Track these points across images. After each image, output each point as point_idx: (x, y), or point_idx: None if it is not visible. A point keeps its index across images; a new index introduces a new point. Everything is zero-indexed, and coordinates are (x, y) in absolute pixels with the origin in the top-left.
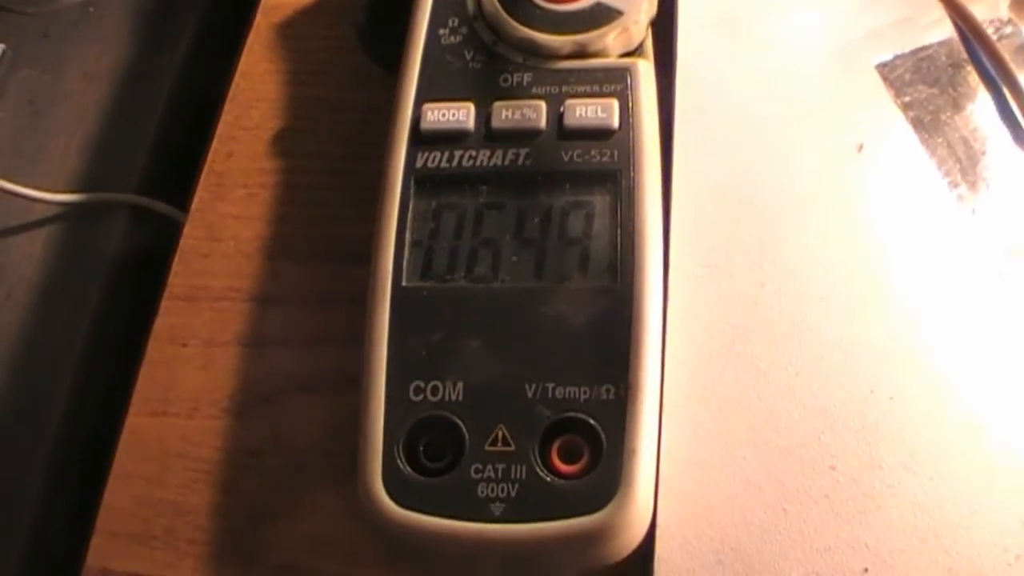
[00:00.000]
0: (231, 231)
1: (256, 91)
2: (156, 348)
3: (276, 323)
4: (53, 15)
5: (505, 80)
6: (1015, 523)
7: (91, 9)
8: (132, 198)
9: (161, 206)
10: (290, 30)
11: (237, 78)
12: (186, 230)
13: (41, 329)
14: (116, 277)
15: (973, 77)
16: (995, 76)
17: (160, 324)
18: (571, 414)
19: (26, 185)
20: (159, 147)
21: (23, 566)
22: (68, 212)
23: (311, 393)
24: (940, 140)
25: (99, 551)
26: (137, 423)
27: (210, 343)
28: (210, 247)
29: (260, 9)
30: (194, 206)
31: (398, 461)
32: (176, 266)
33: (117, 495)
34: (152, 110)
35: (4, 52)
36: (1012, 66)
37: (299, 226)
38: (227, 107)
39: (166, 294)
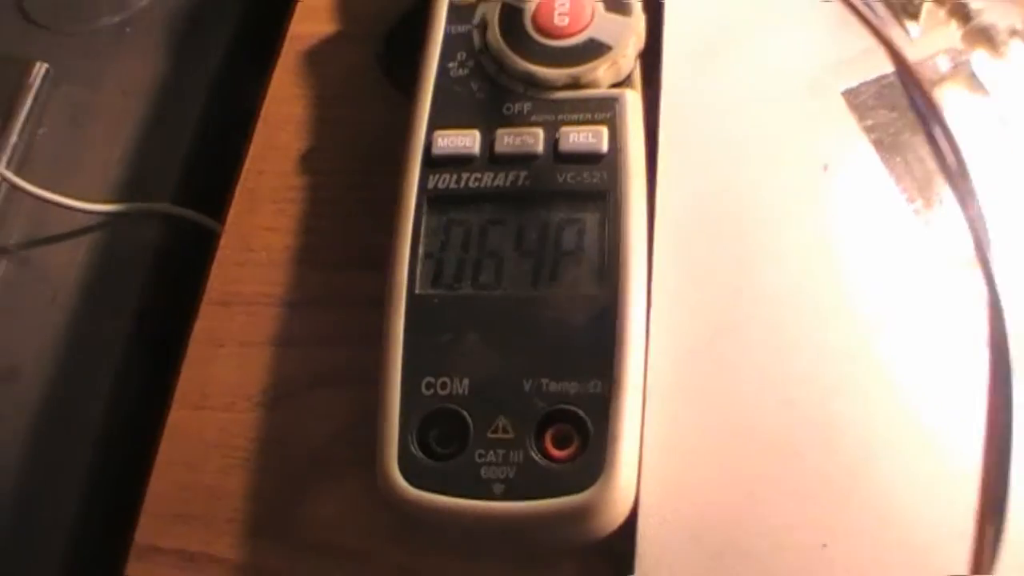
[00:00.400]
0: (262, 242)
1: (284, 114)
2: (196, 349)
3: (303, 325)
4: (92, 35)
5: (507, 109)
6: (962, 505)
7: (128, 30)
8: (166, 207)
9: (193, 215)
10: (315, 57)
11: (267, 102)
12: (222, 241)
13: (84, 328)
14: (152, 280)
15: (928, 102)
16: (924, 111)
17: (199, 327)
18: (563, 406)
19: (68, 195)
20: (192, 159)
21: (72, 545)
22: (107, 220)
23: (333, 388)
24: (899, 160)
25: (146, 530)
26: (179, 416)
27: (244, 344)
28: (244, 257)
29: (287, 38)
30: (229, 220)
31: (412, 447)
32: (213, 273)
33: (161, 481)
34: (185, 124)
35: (47, 70)
36: (938, 101)
37: (323, 237)
38: (258, 128)
39: (204, 299)
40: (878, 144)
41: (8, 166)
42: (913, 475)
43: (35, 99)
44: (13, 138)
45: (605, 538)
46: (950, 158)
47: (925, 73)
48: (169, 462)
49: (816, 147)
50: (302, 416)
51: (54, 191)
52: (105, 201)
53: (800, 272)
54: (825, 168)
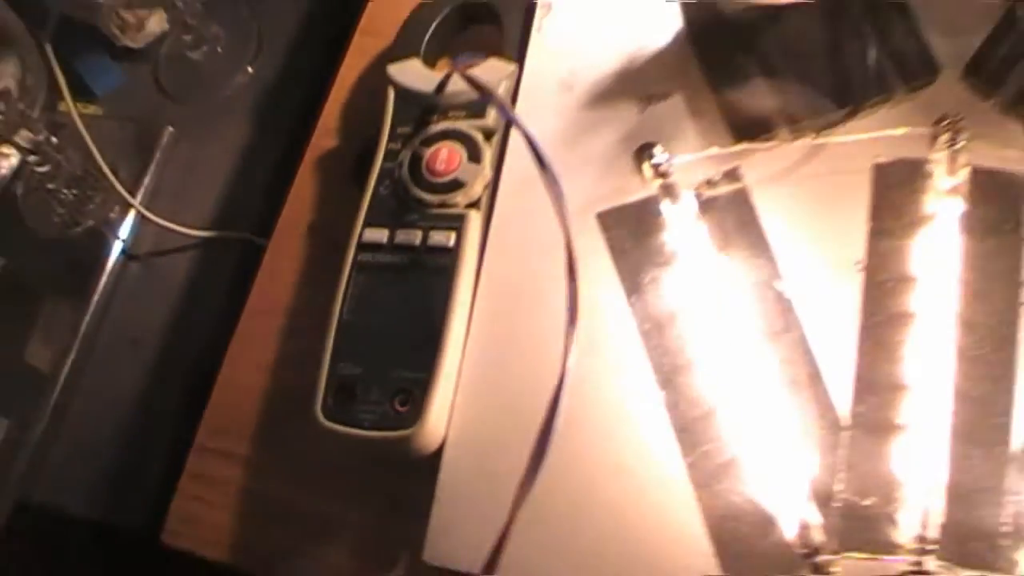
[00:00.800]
0: (286, 274)
1: (304, 198)
2: (240, 335)
3: (308, 322)
4: (205, 105)
5: (405, 217)
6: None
7: (229, 103)
8: (246, 235)
9: (263, 241)
10: (322, 163)
11: (293, 190)
12: (259, 275)
13: (184, 313)
14: (231, 285)
15: (645, 226)
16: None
17: (243, 323)
18: (406, 385)
19: (179, 224)
20: (268, 200)
21: (166, 446)
22: (205, 241)
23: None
24: (624, 259)
25: (202, 436)
26: (226, 373)
27: (272, 332)
28: (275, 279)
29: (310, 147)
30: (265, 260)
31: (329, 400)
32: (254, 290)
33: (214, 407)
34: (264, 173)
35: (172, 132)
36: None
37: (321, 276)
38: (287, 206)
39: (247, 307)
40: (611, 248)
41: (141, 202)
42: (612, 434)
43: (162, 154)
44: (146, 181)
45: (429, 457)
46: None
47: (650, 206)
48: (220, 397)
49: (576, 247)
50: (297, 376)
51: (171, 221)
52: (205, 228)
53: (555, 319)
54: (639, 307)
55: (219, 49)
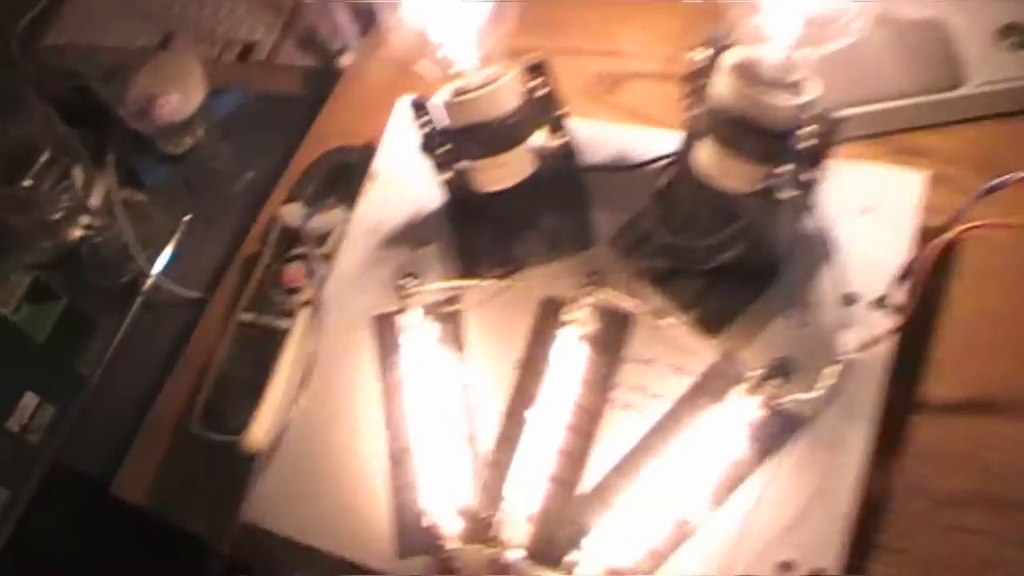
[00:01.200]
0: (210, 333)
1: (233, 281)
2: (180, 365)
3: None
4: (215, 198)
5: (265, 307)
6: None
7: (234, 197)
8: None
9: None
10: (247, 262)
11: (227, 275)
12: (195, 332)
13: (177, 350)
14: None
15: (395, 328)
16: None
17: (188, 357)
18: (247, 411)
19: (183, 286)
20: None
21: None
22: (198, 301)
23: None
24: (382, 347)
25: (144, 427)
26: (166, 394)
27: (193, 370)
28: (204, 337)
29: (240, 250)
30: (201, 321)
31: (204, 416)
32: (192, 341)
33: (152, 416)
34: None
35: (188, 219)
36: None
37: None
38: (220, 287)
39: (184, 354)
40: (376, 340)
41: (161, 270)
42: (353, 449)
43: (180, 235)
44: (168, 250)
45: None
46: (398, 348)
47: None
48: (158, 408)
49: (358, 338)
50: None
51: (177, 283)
52: (197, 291)
53: (340, 379)
54: (383, 378)
55: (229, 161)
